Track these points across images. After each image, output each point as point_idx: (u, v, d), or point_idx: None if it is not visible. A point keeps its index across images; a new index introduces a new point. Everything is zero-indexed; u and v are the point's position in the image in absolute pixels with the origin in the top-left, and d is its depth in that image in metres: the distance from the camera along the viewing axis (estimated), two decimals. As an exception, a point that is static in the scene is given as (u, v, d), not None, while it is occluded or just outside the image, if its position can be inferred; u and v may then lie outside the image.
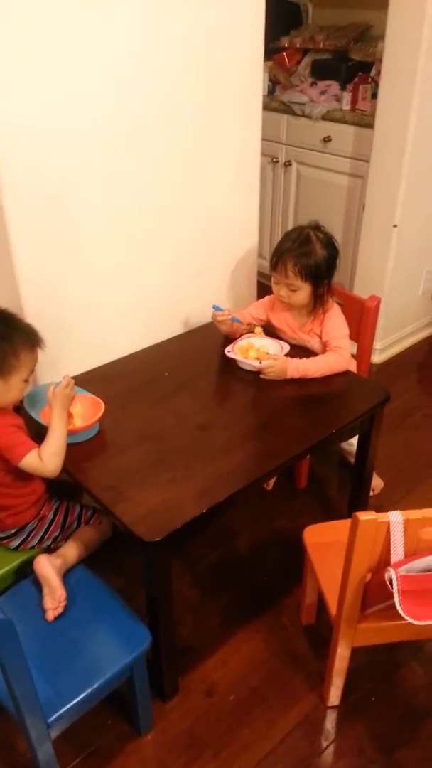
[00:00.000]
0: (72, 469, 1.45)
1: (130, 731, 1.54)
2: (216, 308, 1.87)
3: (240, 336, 1.90)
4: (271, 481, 2.12)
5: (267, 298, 1.93)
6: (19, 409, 1.55)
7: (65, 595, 1.43)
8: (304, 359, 1.76)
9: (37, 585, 1.45)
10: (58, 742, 1.32)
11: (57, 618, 1.41)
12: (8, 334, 1.40)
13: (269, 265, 1.81)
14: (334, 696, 1.58)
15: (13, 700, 1.16)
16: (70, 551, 1.52)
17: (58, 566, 1.47)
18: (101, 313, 1.83)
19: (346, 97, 2.86)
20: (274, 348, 1.82)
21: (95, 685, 1.28)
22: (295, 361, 1.74)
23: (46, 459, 1.40)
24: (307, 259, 1.72)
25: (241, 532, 2.09)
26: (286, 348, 1.82)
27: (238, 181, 2.03)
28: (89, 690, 1.27)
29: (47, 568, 1.44)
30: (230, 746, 1.52)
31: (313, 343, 1.86)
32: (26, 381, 1.45)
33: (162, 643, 1.47)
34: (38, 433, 1.46)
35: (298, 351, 1.82)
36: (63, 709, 1.24)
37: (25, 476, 1.48)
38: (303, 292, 1.77)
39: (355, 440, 2.02)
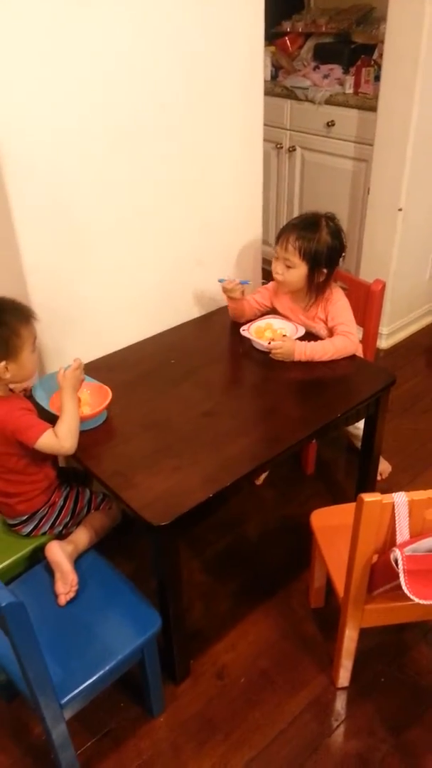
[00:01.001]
0: (81, 455, 1.47)
1: (142, 713, 1.57)
2: (221, 280, 1.88)
3: (250, 319, 1.91)
4: (262, 476, 2.13)
5: (271, 283, 1.93)
6: (28, 398, 1.56)
7: (77, 580, 1.45)
8: (312, 342, 1.77)
9: (50, 570, 1.48)
10: (72, 723, 1.34)
11: (69, 602, 1.43)
12: (3, 318, 1.42)
13: (276, 238, 1.82)
14: (344, 677, 1.60)
15: (27, 683, 1.18)
16: (81, 537, 1.55)
17: (70, 552, 1.49)
18: (106, 303, 1.84)
19: (349, 80, 2.84)
20: (291, 330, 1.84)
21: (107, 667, 1.30)
22: (303, 343, 1.75)
23: (62, 436, 1.42)
24: (310, 237, 1.73)
25: (250, 518, 2.10)
26: (301, 331, 1.83)
27: (240, 168, 2.02)
28: (101, 672, 1.30)
29: (59, 553, 1.46)
30: (241, 728, 1.54)
31: (318, 329, 1.86)
32: (33, 351, 1.48)
33: (173, 626, 1.49)
34: (48, 422, 1.48)
35: (304, 336, 1.82)
36: (75, 691, 1.27)
37: (37, 462, 1.50)
38: (297, 271, 1.76)
39: (361, 424, 2.03)
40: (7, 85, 1.42)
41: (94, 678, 1.29)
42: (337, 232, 1.76)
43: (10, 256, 1.62)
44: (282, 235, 1.77)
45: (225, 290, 1.89)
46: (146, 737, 1.53)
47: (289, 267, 1.77)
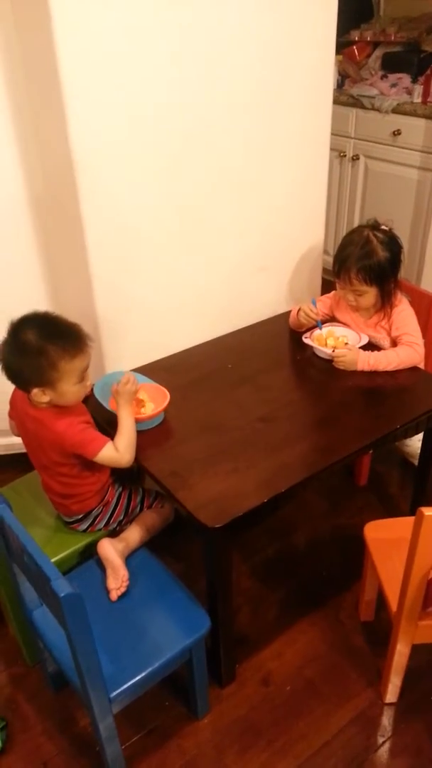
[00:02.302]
0: (138, 455, 1.49)
1: (187, 714, 1.58)
2: (313, 302, 1.87)
3: (309, 328, 1.90)
4: None
5: (333, 293, 1.92)
6: (88, 398, 1.60)
7: (128, 576, 1.47)
8: (376, 352, 1.75)
9: (102, 566, 1.51)
10: (119, 718, 1.36)
11: (120, 598, 1.45)
12: (42, 347, 1.36)
13: (333, 271, 1.80)
14: (392, 693, 1.57)
15: (79, 674, 1.21)
16: (133, 535, 1.57)
17: (121, 549, 1.51)
18: (165, 306, 1.87)
19: (418, 89, 2.80)
20: (353, 338, 1.82)
21: (155, 665, 1.32)
22: (367, 353, 1.74)
23: (122, 450, 1.44)
24: (369, 264, 1.71)
25: (300, 527, 2.09)
26: (365, 340, 1.81)
27: (305, 177, 2.02)
28: (150, 669, 1.31)
29: (110, 550, 1.49)
30: (284, 736, 1.53)
31: (380, 338, 1.84)
32: (78, 383, 1.43)
33: (221, 629, 1.50)
34: (108, 422, 1.51)
35: (366, 345, 1.81)
36: (125, 686, 1.29)
37: (91, 467, 1.53)
38: (370, 295, 1.76)
39: (411, 441, 1.99)
40: (85, 93, 1.46)
41: (143, 675, 1.31)
42: (389, 240, 1.74)
43: (79, 263, 1.66)
44: (341, 270, 1.75)
45: (303, 312, 1.85)
46: (190, 737, 1.54)
47: (360, 295, 1.76)
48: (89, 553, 1.59)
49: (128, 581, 1.47)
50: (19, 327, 1.39)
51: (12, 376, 1.42)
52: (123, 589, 1.46)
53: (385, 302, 1.78)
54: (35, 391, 1.40)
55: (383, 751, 1.50)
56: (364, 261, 1.71)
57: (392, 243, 1.74)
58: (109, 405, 1.57)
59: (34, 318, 1.41)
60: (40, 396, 1.41)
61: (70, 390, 1.42)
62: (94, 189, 1.57)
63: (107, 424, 1.55)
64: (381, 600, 1.57)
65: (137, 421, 1.54)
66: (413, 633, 1.41)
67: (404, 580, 1.31)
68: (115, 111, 1.52)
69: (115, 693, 1.28)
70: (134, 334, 1.82)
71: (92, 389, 1.63)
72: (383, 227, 1.76)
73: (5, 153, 1.62)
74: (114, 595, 1.45)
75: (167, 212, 1.74)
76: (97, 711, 1.28)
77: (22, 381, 1.42)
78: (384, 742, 1.52)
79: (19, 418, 1.52)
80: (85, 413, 1.53)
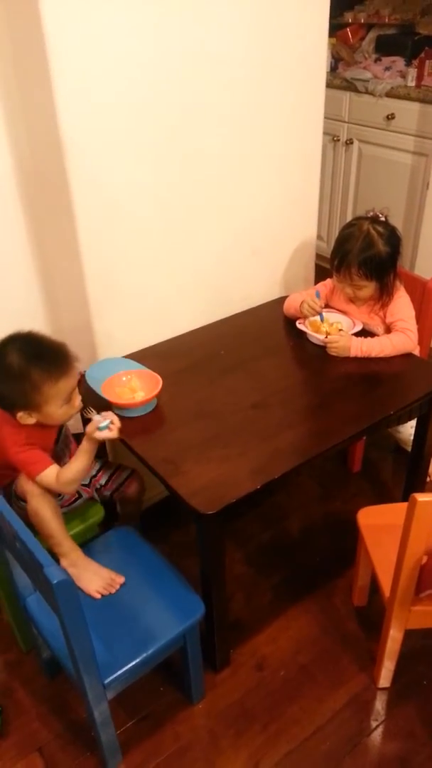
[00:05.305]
0: (131, 441, 1.48)
1: (181, 699, 1.58)
2: (317, 295, 1.84)
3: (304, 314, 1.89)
4: None
5: (328, 281, 1.90)
6: (80, 383, 1.59)
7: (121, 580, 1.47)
8: (369, 338, 1.74)
9: (96, 553, 1.50)
10: (113, 704, 1.36)
11: (113, 585, 1.45)
12: (25, 371, 1.33)
13: (330, 265, 1.78)
14: (385, 678, 1.58)
15: (73, 661, 1.21)
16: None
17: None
18: (158, 292, 1.85)
19: (412, 73, 2.78)
20: (347, 324, 1.82)
21: (150, 651, 1.32)
22: (360, 339, 1.73)
23: (62, 482, 1.41)
24: (370, 259, 1.69)
25: (294, 513, 2.09)
26: (359, 326, 1.80)
27: (298, 161, 2.00)
28: (144, 655, 1.31)
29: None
30: (279, 720, 1.54)
31: (373, 325, 1.83)
32: (64, 405, 1.40)
33: (215, 614, 1.50)
34: (98, 407, 1.50)
35: (360, 332, 1.80)
36: (119, 672, 1.29)
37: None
38: (369, 288, 1.75)
39: (404, 428, 1.99)
40: (73, 68, 1.43)
41: (137, 660, 1.31)
42: (389, 235, 1.72)
43: (69, 244, 1.64)
44: (341, 266, 1.73)
45: (306, 304, 1.82)
46: (184, 723, 1.54)
47: (359, 288, 1.75)
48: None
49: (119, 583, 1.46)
50: (1, 349, 1.34)
51: None
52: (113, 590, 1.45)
53: (383, 294, 1.77)
54: (20, 414, 1.38)
55: (376, 735, 1.51)
56: (366, 256, 1.69)
57: (392, 237, 1.73)
58: (100, 390, 1.56)
59: (18, 339, 1.36)
60: (26, 418, 1.39)
61: (56, 412, 1.39)
62: (82, 174, 1.54)
63: (98, 410, 1.54)
64: (374, 585, 1.57)
65: (129, 407, 1.53)
66: (406, 618, 1.41)
67: (397, 565, 1.31)
68: (103, 91, 1.49)
69: (109, 679, 1.28)
70: (126, 320, 1.80)
71: (84, 375, 1.62)
72: (381, 218, 1.75)
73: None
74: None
75: (157, 195, 1.72)
76: (92, 697, 1.28)
77: (6, 404, 1.38)
78: (377, 726, 1.53)
79: None
80: (49, 436, 1.49)
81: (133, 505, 1.74)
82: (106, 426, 1.37)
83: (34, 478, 1.41)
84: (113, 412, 1.47)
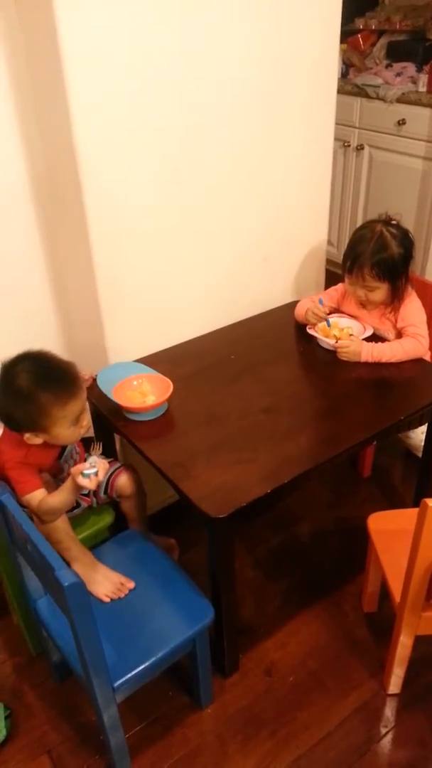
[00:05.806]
0: (141, 445, 1.49)
1: (190, 704, 1.58)
2: (321, 302, 1.85)
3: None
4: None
5: (339, 285, 1.90)
6: (91, 388, 1.60)
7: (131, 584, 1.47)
8: (380, 343, 1.74)
9: (106, 556, 1.51)
10: (123, 708, 1.36)
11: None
12: (33, 393, 1.32)
13: (342, 268, 1.78)
14: (395, 684, 1.57)
15: (83, 664, 1.21)
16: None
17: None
18: (168, 297, 1.86)
19: (423, 78, 2.78)
20: (358, 329, 1.81)
21: (159, 655, 1.32)
22: (370, 344, 1.73)
23: (44, 510, 1.40)
24: (384, 260, 1.69)
25: (304, 518, 2.09)
26: (369, 331, 1.80)
27: (309, 166, 2.00)
28: (153, 659, 1.32)
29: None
30: (288, 726, 1.54)
31: (384, 330, 1.83)
32: (72, 426, 1.39)
33: (224, 619, 1.50)
34: (111, 411, 1.51)
35: (370, 337, 1.80)
36: (128, 675, 1.29)
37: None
38: (381, 291, 1.75)
39: (414, 433, 1.99)
40: (86, 75, 1.45)
41: (147, 664, 1.31)
42: (403, 236, 1.72)
43: (81, 251, 1.65)
44: (354, 267, 1.73)
45: (312, 311, 1.83)
46: (193, 727, 1.54)
47: (371, 290, 1.75)
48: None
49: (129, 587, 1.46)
50: (11, 369, 1.34)
51: (3, 419, 1.38)
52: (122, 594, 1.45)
53: (394, 298, 1.77)
54: (28, 435, 1.38)
55: (386, 742, 1.50)
56: (379, 256, 1.69)
57: (405, 239, 1.73)
58: (112, 394, 1.57)
59: (28, 359, 1.36)
60: (33, 439, 1.39)
61: (63, 433, 1.39)
62: (95, 179, 1.56)
63: (110, 414, 1.55)
64: (384, 591, 1.57)
65: (140, 411, 1.54)
66: (416, 624, 1.40)
67: (408, 571, 1.31)
68: (116, 103, 1.51)
69: (118, 682, 1.28)
70: (137, 324, 1.81)
71: (95, 379, 1.63)
72: (393, 221, 1.75)
73: (5, 133, 1.60)
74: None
75: (170, 201, 1.73)
76: (101, 700, 1.28)
77: (14, 425, 1.38)
78: (386, 733, 1.52)
79: None
80: (48, 457, 1.48)
81: (130, 501, 1.66)
82: (88, 475, 1.31)
83: (22, 498, 1.41)
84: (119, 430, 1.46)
